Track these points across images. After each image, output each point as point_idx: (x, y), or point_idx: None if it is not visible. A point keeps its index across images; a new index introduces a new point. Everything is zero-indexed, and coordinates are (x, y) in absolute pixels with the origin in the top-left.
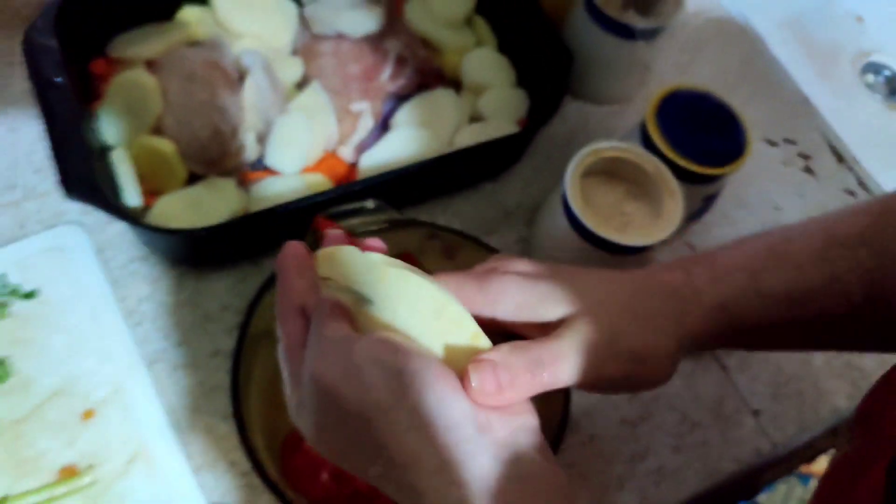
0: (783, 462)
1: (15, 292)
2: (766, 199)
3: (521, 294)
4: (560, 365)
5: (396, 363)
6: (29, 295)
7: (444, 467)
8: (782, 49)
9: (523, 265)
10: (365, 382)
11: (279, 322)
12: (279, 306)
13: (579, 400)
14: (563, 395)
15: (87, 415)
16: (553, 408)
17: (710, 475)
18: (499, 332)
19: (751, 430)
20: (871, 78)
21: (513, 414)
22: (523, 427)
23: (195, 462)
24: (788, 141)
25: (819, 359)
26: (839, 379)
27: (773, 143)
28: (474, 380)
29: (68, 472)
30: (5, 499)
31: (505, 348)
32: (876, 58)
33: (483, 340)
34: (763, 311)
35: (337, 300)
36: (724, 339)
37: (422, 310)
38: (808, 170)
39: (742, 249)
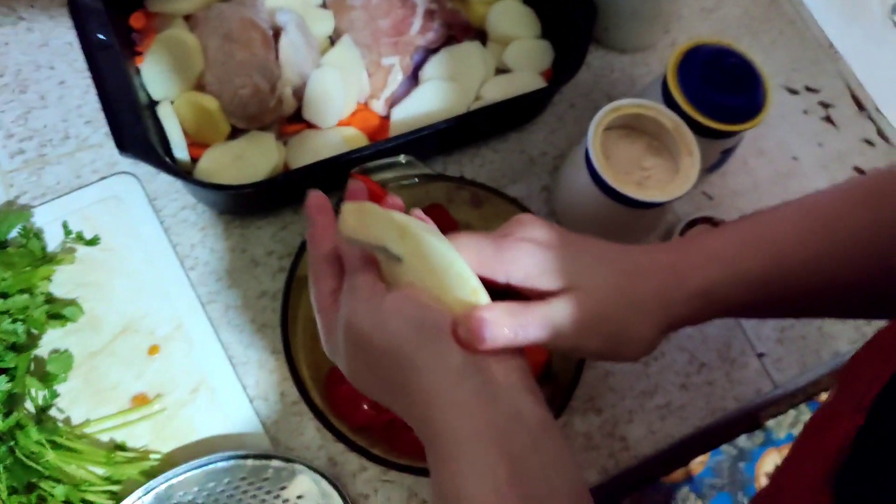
0: (782, 401)
1: (80, 238)
2: (785, 148)
3: (531, 263)
4: (541, 332)
5: (417, 317)
6: (92, 241)
7: (453, 404)
8: None
9: (539, 232)
10: (391, 332)
11: (311, 273)
12: (311, 256)
13: None
14: None
15: (153, 349)
16: None
17: (713, 412)
18: (501, 290)
19: (754, 371)
20: None
21: (506, 357)
22: (515, 368)
23: (249, 392)
24: (810, 89)
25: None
26: (843, 324)
27: (793, 91)
28: (462, 331)
29: (140, 400)
30: (87, 422)
31: (498, 309)
32: None
33: (482, 296)
34: (744, 295)
35: (366, 254)
36: (707, 319)
37: (433, 265)
38: (829, 119)
39: (727, 235)
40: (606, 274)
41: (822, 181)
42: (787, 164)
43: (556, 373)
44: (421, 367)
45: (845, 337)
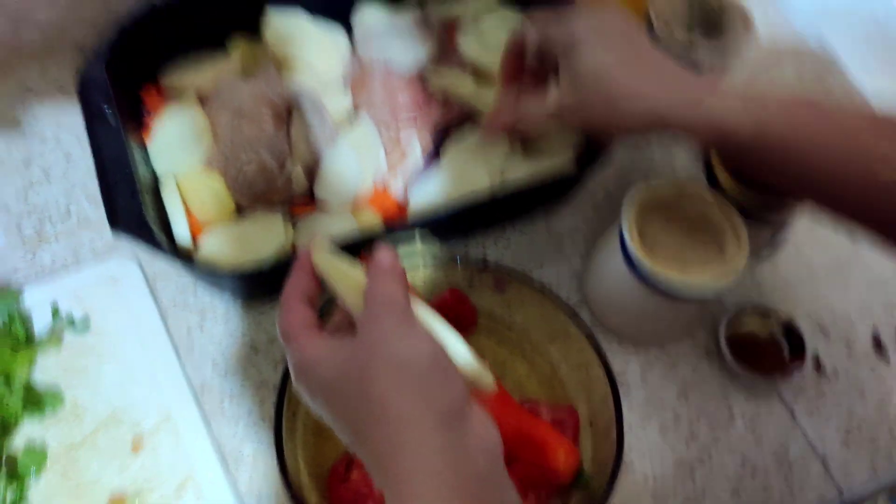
0: None
1: (69, 322)
2: (841, 234)
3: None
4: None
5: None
6: (82, 325)
7: (423, 454)
8: (861, 69)
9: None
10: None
11: (283, 306)
12: (285, 294)
13: (635, 442)
14: (616, 435)
15: (138, 442)
16: (607, 448)
17: None
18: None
19: (817, 476)
20: None
21: (483, 431)
22: (490, 448)
23: (241, 490)
24: None
25: (895, 408)
26: None
27: None
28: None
29: (118, 500)
30: None
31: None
32: None
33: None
34: (747, 120)
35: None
36: (705, 132)
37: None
38: None
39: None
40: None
41: (885, 268)
42: (845, 249)
43: (588, 478)
44: (393, 417)
45: None
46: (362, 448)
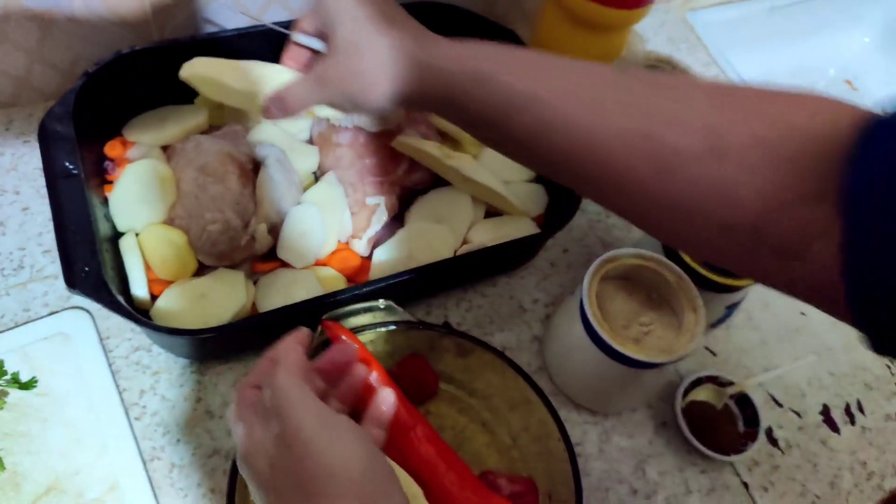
0: None
1: (14, 381)
2: (792, 302)
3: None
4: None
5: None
6: (28, 385)
7: None
8: None
9: None
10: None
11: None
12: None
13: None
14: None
15: None
16: None
17: None
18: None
19: None
20: None
21: None
22: None
23: None
24: None
25: (847, 481)
26: (869, 503)
27: None
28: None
29: None
30: None
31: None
32: None
33: None
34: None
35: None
36: (433, 101)
37: None
38: None
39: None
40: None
41: (834, 337)
42: (795, 318)
43: None
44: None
45: None
46: None
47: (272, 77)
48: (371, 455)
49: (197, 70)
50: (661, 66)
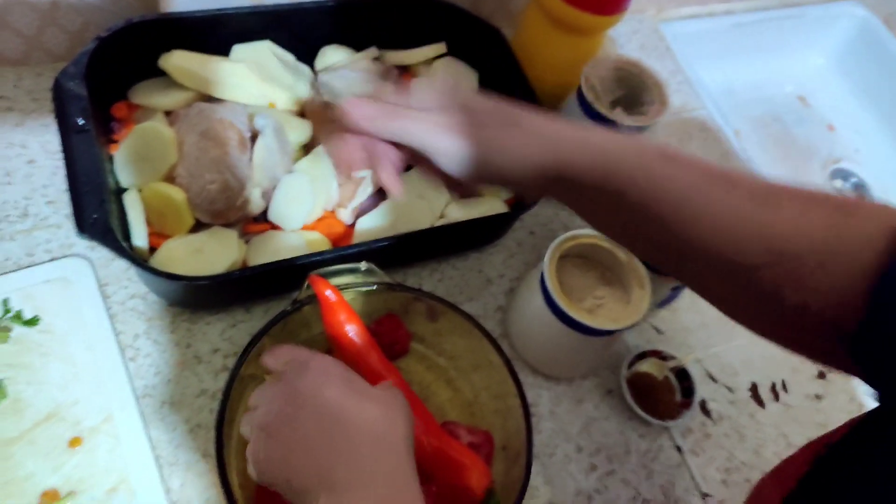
0: None
1: (18, 318)
2: None
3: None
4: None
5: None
6: (31, 322)
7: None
8: (757, 148)
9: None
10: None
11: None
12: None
13: (541, 469)
14: (525, 461)
15: (75, 441)
16: (516, 472)
17: None
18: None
19: None
20: (839, 183)
21: None
22: None
23: (173, 496)
24: None
25: (770, 450)
26: None
27: None
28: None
29: (50, 497)
30: None
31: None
32: (844, 164)
33: None
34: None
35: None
36: (588, 182)
37: None
38: None
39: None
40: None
41: None
42: None
43: (497, 499)
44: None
45: None
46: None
47: (233, 73)
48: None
49: (173, 61)
50: (629, 68)
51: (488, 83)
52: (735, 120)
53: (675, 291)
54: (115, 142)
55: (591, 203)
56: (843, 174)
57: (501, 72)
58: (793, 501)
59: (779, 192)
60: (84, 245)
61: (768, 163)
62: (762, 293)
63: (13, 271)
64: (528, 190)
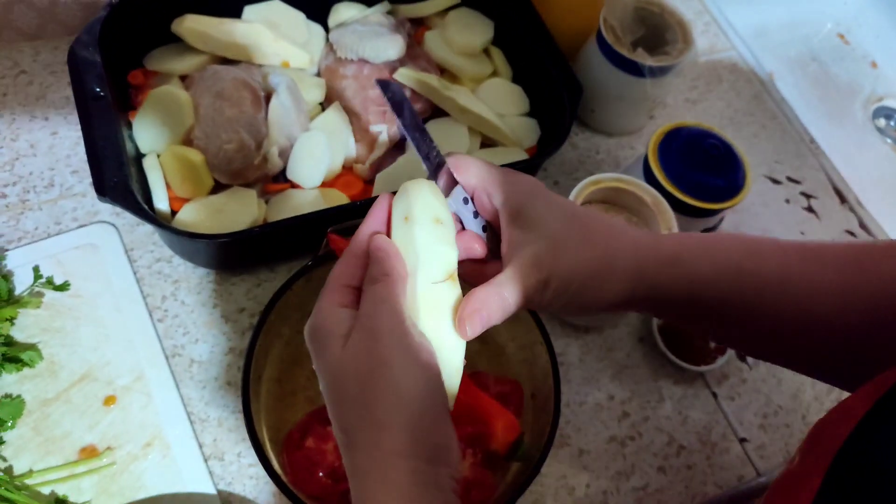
0: (766, 490)
1: (49, 283)
2: (767, 234)
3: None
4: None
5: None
6: (62, 287)
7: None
8: (792, 90)
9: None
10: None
11: (324, 292)
12: (329, 280)
13: (572, 417)
14: (553, 407)
15: (110, 400)
16: (545, 420)
17: (693, 497)
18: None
19: (736, 457)
20: (882, 122)
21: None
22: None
23: (206, 451)
24: (792, 180)
25: (809, 394)
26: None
27: (776, 181)
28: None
29: (89, 452)
30: (30, 472)
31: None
32: (888, 102)
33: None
34: (715, 278)
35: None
36: (673, 301)
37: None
38: (811, 209)
39: (704, 233)
40: (577, 231)
41: None
42: None
43: (525, 451)
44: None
45: None
46: (348, 454)
47: (246, 34)
48: (429, 384)
49: (186, 24)
50: (650, 7)
51: (504, 33)
52: (768, 61)
53: (706, 231)
54: (133, 108)
55: (677, 314)
56: (887, 112)
57: (517, 20)
58: (856, 441)
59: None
60: (109, 211)
61: (805, 105)
62: (863, 358)
63: (42, 239)
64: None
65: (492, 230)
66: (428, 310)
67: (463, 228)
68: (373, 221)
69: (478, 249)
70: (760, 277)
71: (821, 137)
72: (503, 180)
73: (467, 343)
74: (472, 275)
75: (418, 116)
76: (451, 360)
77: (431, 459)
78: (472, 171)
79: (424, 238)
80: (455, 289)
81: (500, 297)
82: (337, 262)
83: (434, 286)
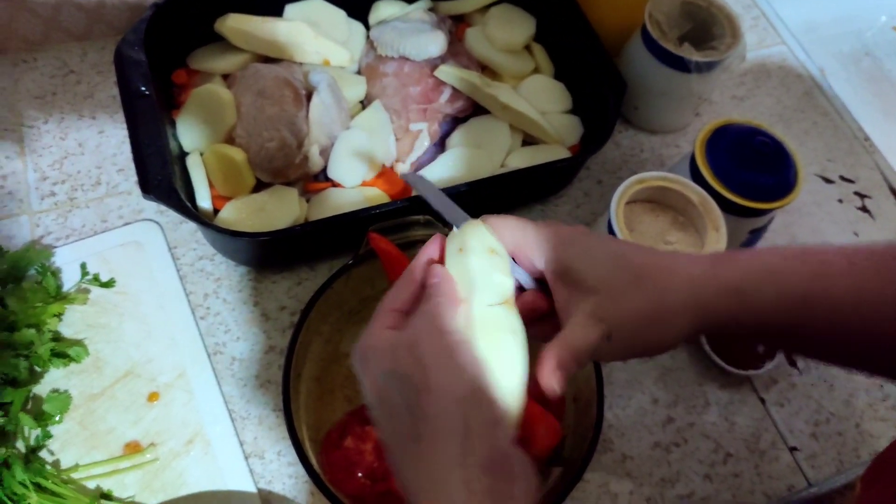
0: (818, 502)
1: (95, 280)
2: (819, 236)
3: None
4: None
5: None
6: (107, 283)
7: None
8: (845, 86)
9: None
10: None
11: (374, 319)
12: (381, 305)
13: (615, 421)
14: (596, 411)
15: (153, 396)
16: (587, 424)
17: None
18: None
19: (786, 465)
20: None
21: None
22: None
23: (246, 449)
24: (845, 179)
25: (862, 400)
26: (883, 422)
27: (828, 181)
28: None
29: (132, 448)
30: (76, 467)
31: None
32: None
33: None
34: (781, 305)
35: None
36: (738, 331)
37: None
38: (865, 209)
39: (767, 249)
40: (627, 277)
41: None
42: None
43: (564, 457)
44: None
45: (886, 436)
46: (403, 469)
47: (287, 32)
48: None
49: (228, 23)
50: (697, 1)
51: (546, 28)
52: (819, 56)
53: (754, 236)
54: (176, 107)
55: (744, 339)
56: None
57: (559, 15)
58: None
59: None
60: (153, 209)
61: (858, 101)
62: None
63: (89, 237)
64: None
65: (539, 285)
66: (485, 331)
67: (522, 288)
68: (427, 253)
69: (542, 305)
70: (830, 301)
71: (875, 135)
72: (540, 239)
73: None
74: (533, 333)
75: (443, 195)
76: (509, 381)
77: (488, 469)
78: (506, 235)
79: (479, 266)
80: (512, 313)
81: (574, 355)
82: (390, 289)
83: (490, 308)
